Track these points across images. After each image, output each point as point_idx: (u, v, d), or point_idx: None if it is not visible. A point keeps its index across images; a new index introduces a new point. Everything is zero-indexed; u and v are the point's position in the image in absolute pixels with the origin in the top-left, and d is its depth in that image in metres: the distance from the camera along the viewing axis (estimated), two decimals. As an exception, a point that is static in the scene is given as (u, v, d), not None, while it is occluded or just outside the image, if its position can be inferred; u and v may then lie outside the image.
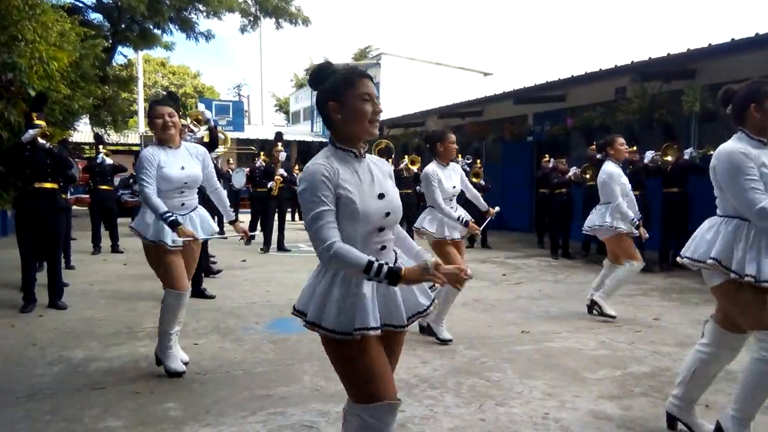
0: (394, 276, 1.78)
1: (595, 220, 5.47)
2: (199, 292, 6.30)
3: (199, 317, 5.40)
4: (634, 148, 8.42)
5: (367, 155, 2.05)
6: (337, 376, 3.76)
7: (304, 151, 23.40)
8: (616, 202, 5.19)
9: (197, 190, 3.98)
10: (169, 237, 3.68)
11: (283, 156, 10.35)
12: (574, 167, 9.71)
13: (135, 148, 25.15)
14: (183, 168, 3.75)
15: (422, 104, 18.86)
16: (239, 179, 11.97)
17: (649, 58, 9.57)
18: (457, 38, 67.63)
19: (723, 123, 9.15)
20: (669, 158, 8.15)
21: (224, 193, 4.13)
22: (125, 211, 14.21)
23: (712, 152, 7.65)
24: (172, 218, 3.53)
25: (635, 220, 5.22)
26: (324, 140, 23.17)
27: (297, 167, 18.12)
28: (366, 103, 1.92)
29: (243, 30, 19.87)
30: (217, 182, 4.10)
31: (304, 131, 26.60)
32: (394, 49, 29.26)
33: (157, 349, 3.92)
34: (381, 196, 1.95)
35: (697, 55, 9.02)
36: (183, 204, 3.83)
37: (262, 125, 32.50)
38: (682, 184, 8.19)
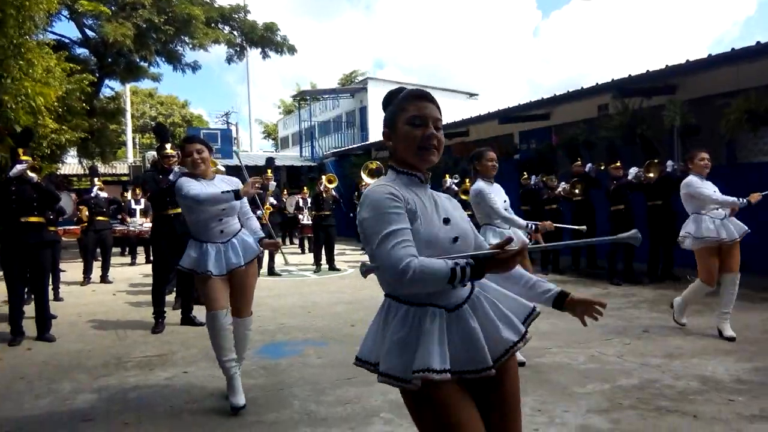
0: (477, 268, 1.57)
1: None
2: (188, 320, 6.29)
3: (189, 345, 5.38)
4: (618, 164, 8.54)
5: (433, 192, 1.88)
6: (328, 400, 3.79)
7: (294, 175, 23.41)
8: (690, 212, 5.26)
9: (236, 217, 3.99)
10: (214, 267, 3.73)
11: (272, 186, 10.39)
12: (563, 183, 9.81)
13: (124, 179, 25.13)
14: None
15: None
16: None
17: (629, 75, 9.74)
18: (442, 61, 68.46)
19: (705, 137, 9.35)
20: (652, 175, 8.25)
21: (255, 220, 4.14)
22: (114, 240, 14.13)
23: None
24: (229, 192, 3.67)
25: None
26: (312, 164, 23.24)
27: (286, 192, 18.17)
28: (415, 128, 1.73)
29: (230, 60, 20.03)
30: (249, 210, 4.11)
31: (293, 156, 26.63)
32: (380, 73, 29.52)
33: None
34: (446, 221, 1.74)
35: (676, 71, 9.19)
36: (222, 231, 3.84)
37: (251, 151, 32.53)
38: (666, 196, 8.29)
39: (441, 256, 1.65)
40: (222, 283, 3.81)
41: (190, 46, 17.44)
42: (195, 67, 19.58)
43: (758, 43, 7.86)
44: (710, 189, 5.22)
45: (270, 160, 10.47)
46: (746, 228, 5.20)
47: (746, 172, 8.80)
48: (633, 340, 5.16)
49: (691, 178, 5.28)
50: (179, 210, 6.25)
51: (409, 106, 1.75)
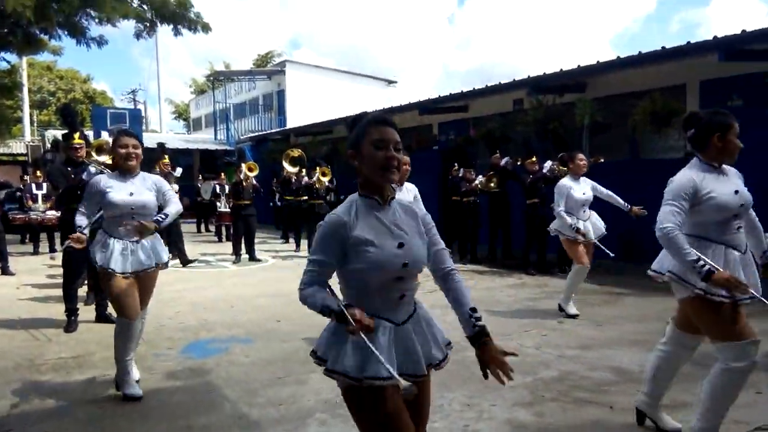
0: (340, 317, 1.82)
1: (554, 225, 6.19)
2: (104, 317, 6.00)
3: (107, 345, 5.06)
4: (534, 159, 8.91)
5: (398, 200, 2.09)
6: (260, 402, 3.76)
7: (208, 159, 22.68)
8: (556, 209, 6.04)
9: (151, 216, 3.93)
10: (118, 264, 3.74)
11: (178, 172, 9.96)
12: (480, 176, 10.11)
13: (21, 158, 23.42)
14: (131, 194, 3.81)
15: (329, 112, 18.90)
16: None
17: (544, 73, 10.15)
18: (358, 43, 68.26)
19: (612, 135, 9.89)
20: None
21: (174, 204, 4.02)
22: (13, 228, 13.24)
23: (602, 160, 8.11)
24: (78, 228, 3.79)
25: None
26: (228, 147, 22.63)
27: (201, 177, 17.60)
28: (378, 151, 1.93)
29: (138, 36, 19.03)
30: (174, 200, 4.03)
31: (207, 139, 25.78)
32: (297, 55, 29.06)
33: (116, 377, 3.92)
34: (400, 245, 1.95)
35: (587, 71, 9.67)
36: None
37: (160, 132, 31.18)
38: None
39: (393, 278, 1.94)
40: (133, 287, 3.83)
41: (97, 20, 16.40)
42: (101, 41, 18.50)
43: (663, 48, 8.40)
44: (579, 192, 5.99)
45: (161, 146, 10.07)
46: (604, 231, 6.14)
47: (648, 168, 9.42)
48: (549, 332, 5.44)
49: (563, 182, 6.08)
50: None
51: (372, 130, 1.96)
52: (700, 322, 2.91)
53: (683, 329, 3.12)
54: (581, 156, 6.13)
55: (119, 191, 3.77)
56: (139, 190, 3.84)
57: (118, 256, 3.73)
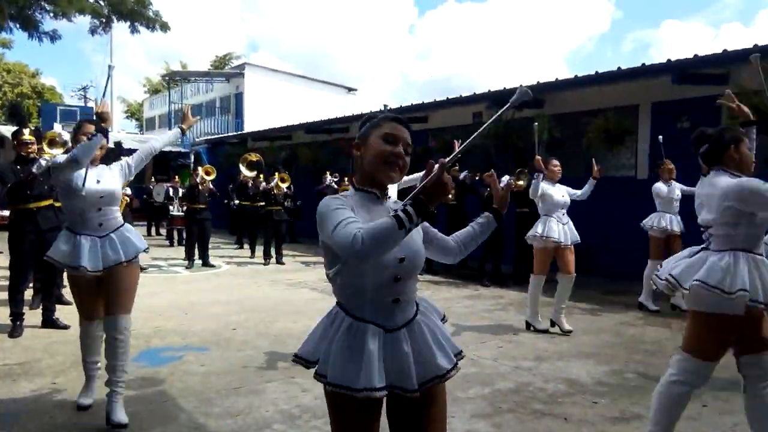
0: (418, 204, 1.58)
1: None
2: (50, 322, 5.79)
3: (54, 351, 4.96)
4: (492, 172, 9.06)
5: (392, 198, 1.98)
6: (216, 412, 3.69)
7: (161, 161, 22.15)
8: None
9: (119, 209, 3.76)
10: (87, 261, 3.45)
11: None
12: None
13: (-38, 154, 22.42)
14: (98, 182, 3.55)
15: (287, 117, 18.80)
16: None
17: (504, 87, 10.35)
18: (317, 47, 68.17)
19: (568, 152, 10.12)
20: (521, 183, 8.84)
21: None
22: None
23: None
24: (95, 136, 3.41)
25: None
26: (183, 150, 22.19)
27: (153, 179, 17.21)
28: (386, 144, 1.82)
29: (93, 32, 18.53)
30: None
31: (161, 140, 25.22)
32: (255, 58, 28.78)
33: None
34: None
35: (546, 88, 9.91)
36: (101, 224, 3.56)
37: (112, 132, 30.35)
38: (533, 204, 8.92)
39: (390, 278, 1.80)
40: (97, 288, 3.61)
41: (51, 14, 15.89)
42: (54, 36, 17.93)
43: (619, 68, 8.68)
44: (558, 194, 6.05)
45: (119, 145, 9.78)
46: (578, 238, 6.07)
47: (601, 185, 9.69)
48: (505, 344, 5.52)
49: (541, 184, 6.06)
50: (44, 203, 5.74)
51: (386, 124, 1.86)
52: (698, 332, 2.85)
53: (747, 353, 2.85)
54: (555, 162, 6.19)
55: (86, 179, 3.47)
56: (105, 177, 3.59)
57: (88, 252, 3.46)
